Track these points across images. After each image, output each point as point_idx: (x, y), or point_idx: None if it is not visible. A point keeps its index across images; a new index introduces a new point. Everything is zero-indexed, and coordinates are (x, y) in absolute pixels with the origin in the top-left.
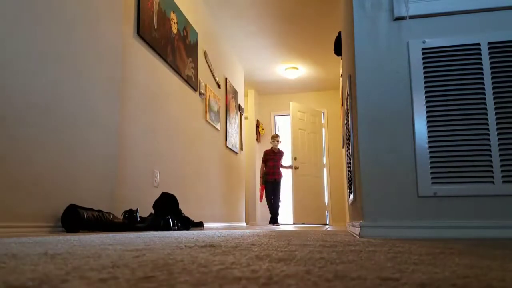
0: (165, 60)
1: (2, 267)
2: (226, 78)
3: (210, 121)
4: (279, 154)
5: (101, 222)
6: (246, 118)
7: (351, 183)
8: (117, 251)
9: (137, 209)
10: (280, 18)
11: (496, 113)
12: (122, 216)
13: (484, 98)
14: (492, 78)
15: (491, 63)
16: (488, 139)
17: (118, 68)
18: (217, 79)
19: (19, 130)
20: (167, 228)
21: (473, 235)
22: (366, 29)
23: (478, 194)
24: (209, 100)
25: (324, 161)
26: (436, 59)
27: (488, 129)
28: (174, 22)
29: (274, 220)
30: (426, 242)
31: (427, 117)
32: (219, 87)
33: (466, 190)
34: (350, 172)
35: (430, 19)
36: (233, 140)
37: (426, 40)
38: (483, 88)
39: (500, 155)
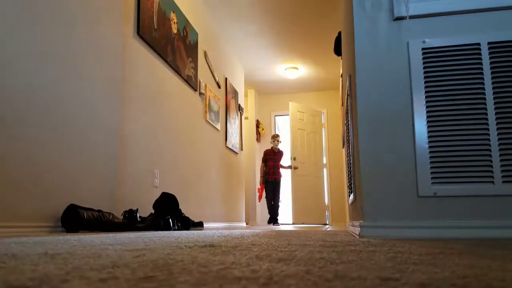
0: (165, 60)
1: (2, 267)
2: (226, 78)
3: (210, 121)
4: (279, 154)
5: (101, 222)
6: (246, 118)
7: (351, 183)
8: (117, 251)
9: (137, 209)
10: (280, 18)
11: (496, 113)
12: (122, 216)
13: (484, 98)
14: (492, 78)
15: (491, 63)
16: (488, 139)
17: (118, 68)
18: (217, 79)
19: (19, 130)
20: (167, 228)
21: (473, 235)
22: (366, 29)
23: (478, 194)
24: (209, 100)
25: (324, 161)
26: (436, 59)
27: (488, 129)
28: (174, 22)
29: (274, 220)
30: (426, 242)
31: (427, 117)
32: (219, 87)
33: (466, 190)
34: (350, 172)
35: (430, 19)
36: (233, 140)
37: (426, 40)
38: (483, 88)
39: (500, 155)
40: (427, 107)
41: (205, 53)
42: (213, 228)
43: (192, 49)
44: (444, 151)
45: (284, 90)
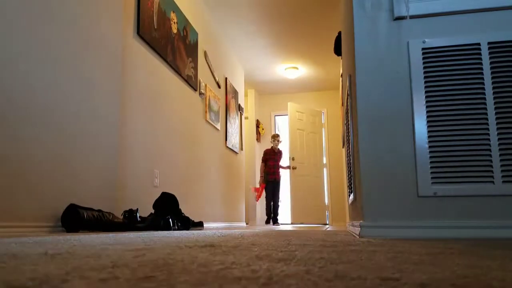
0: (165, 60)
1: (2, 267)
2: (226, 78)
3: (210, 121)
4: (279, 153)
5: (101, 222)
6: (246, 118)
7: (351, 183)
8: (117, 251)
9: (137, 209)
10: (280, 18)
11: (496, 113)
12: (122, 216)
13: (484, 98)
14: (492, 78)
15: (491, 63)
16: (488, 139)
17: (118, 68)
18: (217, 79)
19: (19, 130)
20: (167, 228)
21: (473, 235)
22: (366, 29)
23: (478, 194)
24: (209, 100)
25: (324, 161)
26: (436, 59)
27: (488, 129)
28: (174, 22)
29: (274, 220)
30: (426, 242)
31: (427, 117)
32: (219, 87)
33: (466, 190)
34: (350, 172)
35: (430, 19)
36: (233, 140)
37: (426, 40)
38: (483, 88)
39: (500, 155)
40: (427, 107)
41: (205, 53)
42: (213, 228)
43: (192, 49)
44: (444, 151)
45: (284, 90)
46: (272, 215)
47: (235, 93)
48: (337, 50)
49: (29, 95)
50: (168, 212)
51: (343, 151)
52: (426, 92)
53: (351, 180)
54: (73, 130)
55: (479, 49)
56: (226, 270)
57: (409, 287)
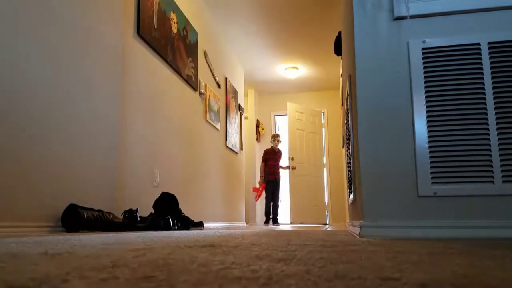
0: (165, 60)
1: (2, 267)
2: (226, 78)
3: (210, 121)
4: (279, 153)
5: (101, 222)
6: (246, 118)
7: (351, 183)
8: (117, 251)
9: (137, 209)
10: (280, 18)
11: (496, 113)
12: (122, 216)
13: (484, 98)
14: (492, 78)
15: (491, 63)
16: (488, 139)
17: (118, 68)
18: (217, 79)
19: (19, 131)
20: (167, 228)
21: (473, 235)
22: (366, 29)
23: (478, 194)
24: (209, 100)
25: (324, 161)
26: (436, 59)
27: (488, 129)
28: (174, 22)
29: (274, 220)
30: (426, 242)
31: (427, 117)
32: (219, 87)
33: (466, 190)
34: (350, 172)
35: (430, 19)
36: (233, 140)
37: (426, 40)
38: (483, 88)
39: (500, 155)
40: (427, 107)
41: (205, 53)
42: (213, 228)
43: (192, 49)
44: (444, 151)
45: (284, 90)
46: (271, 215)
47: (235, 93)
48: (337, 50)
49: (29, 95)
50: (168, 212)
51: (343, 151)
52: (426, 92)
53: (351, 180)
54: (73, 130)
55: (479, 49)
56: (226, 270)
57: (409, 287)
